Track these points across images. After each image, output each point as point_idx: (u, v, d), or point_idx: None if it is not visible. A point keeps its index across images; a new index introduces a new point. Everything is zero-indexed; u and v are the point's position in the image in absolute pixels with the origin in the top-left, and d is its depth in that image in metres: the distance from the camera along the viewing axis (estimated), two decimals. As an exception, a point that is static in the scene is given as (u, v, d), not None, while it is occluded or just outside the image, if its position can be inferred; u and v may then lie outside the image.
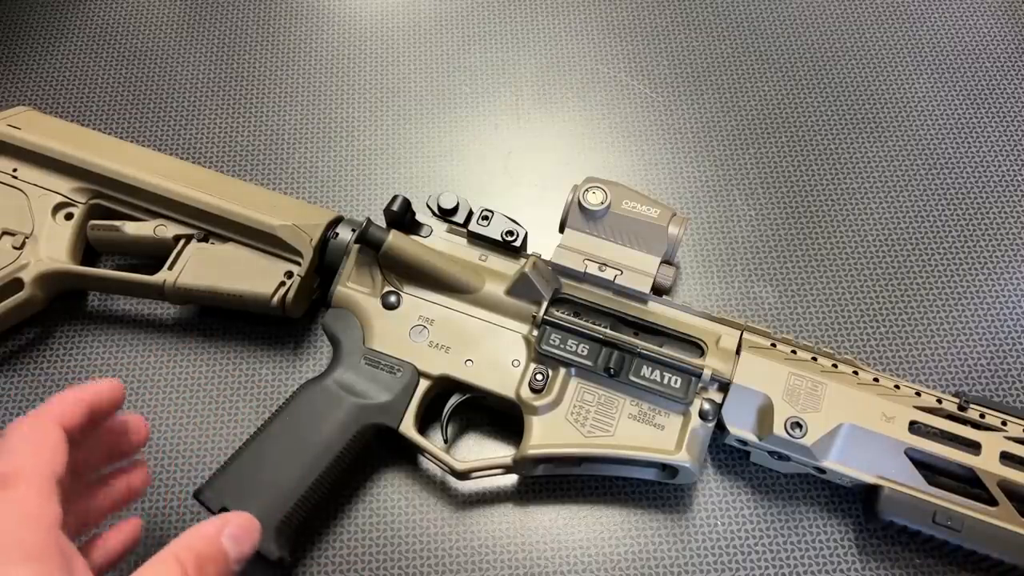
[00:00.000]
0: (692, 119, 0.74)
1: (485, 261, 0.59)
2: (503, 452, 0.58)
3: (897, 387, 0.54)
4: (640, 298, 0.57)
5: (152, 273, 0.60)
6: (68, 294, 0.63)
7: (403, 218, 0.59)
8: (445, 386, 0.57)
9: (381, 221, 0.59)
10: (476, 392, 0.56)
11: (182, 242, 0.60)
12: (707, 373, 0.54)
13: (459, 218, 0.58)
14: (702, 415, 0.54)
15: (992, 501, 0.52)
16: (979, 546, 0.51)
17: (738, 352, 0.55)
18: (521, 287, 0.56)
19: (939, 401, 0.54)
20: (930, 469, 0.53)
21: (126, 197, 0.61)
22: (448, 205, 0.58)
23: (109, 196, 0.62)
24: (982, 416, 0.54)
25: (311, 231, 0.59)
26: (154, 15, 0.79)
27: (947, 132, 0.73)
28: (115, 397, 0.46)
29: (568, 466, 0.55)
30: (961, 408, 0.54)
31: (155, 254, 0.61)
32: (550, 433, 0.54)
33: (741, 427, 0.54)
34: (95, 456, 0.47)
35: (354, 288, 0.58)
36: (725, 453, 0.59)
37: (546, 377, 0.55)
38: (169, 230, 0.61)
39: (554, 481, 0.58)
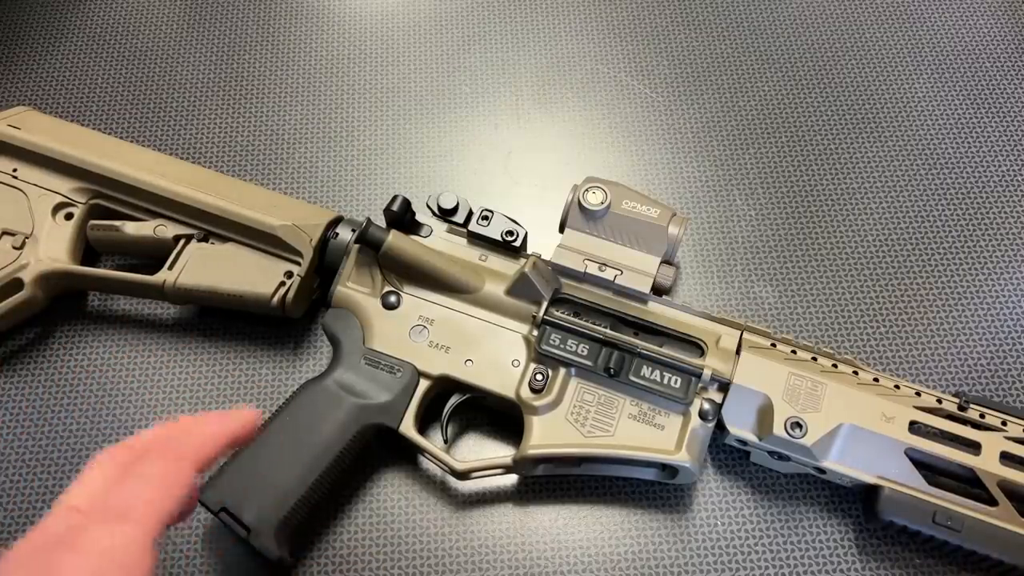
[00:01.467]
0: (692, 119, 0.74)
1: (485, 261, 0.59)
2: (503, 452, 0.58)
3: (897, 387, 0.54)
4: (640, 298, 0.57)
5: (152, 273, 0.60)
6: (68, 294, 0.63)
7: (403, 218, 0.59)
8: (445, 386, 0.57)
9: (381, 221, 0.59)
10: (476, 392, 0.56)
11: (182, 242, 0.60)
12: (707, 373, 0.54)
13: (459, 218, 0.58)
14: (702, 415, 0.54)
15: (992, 501, 0.52)
16: (979, 546, 0.51)
17: (738, 352, 0.55)
18: (521, 287, 0.56)
19: (939, 401, 0.54)
20: (930, 469, 0.53)
21: (126, 197, 0.61)
22: (448, 205, 0.58)
23: (109, 196, 0.62)
24: (982, 416, 0.54)
25: (311, 231, 0.59)
26: (154, 15, 0.79)
27: (947, 132, 0.73)
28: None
29: (568, 466, 0.55)
30: (961, 408, 0.54)
31: (155, 254, 0.61)
32: (550, 433, 0.54)
33: (741, 427, 0.54)
34: None
35: (354, 288, 0.58)
36: (725, 453, 0.59)
37: (546, 377, 0.55)
38: (169, 230, 0.61)
39: (554, 481, 0.58)
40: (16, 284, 0.59)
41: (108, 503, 0.39)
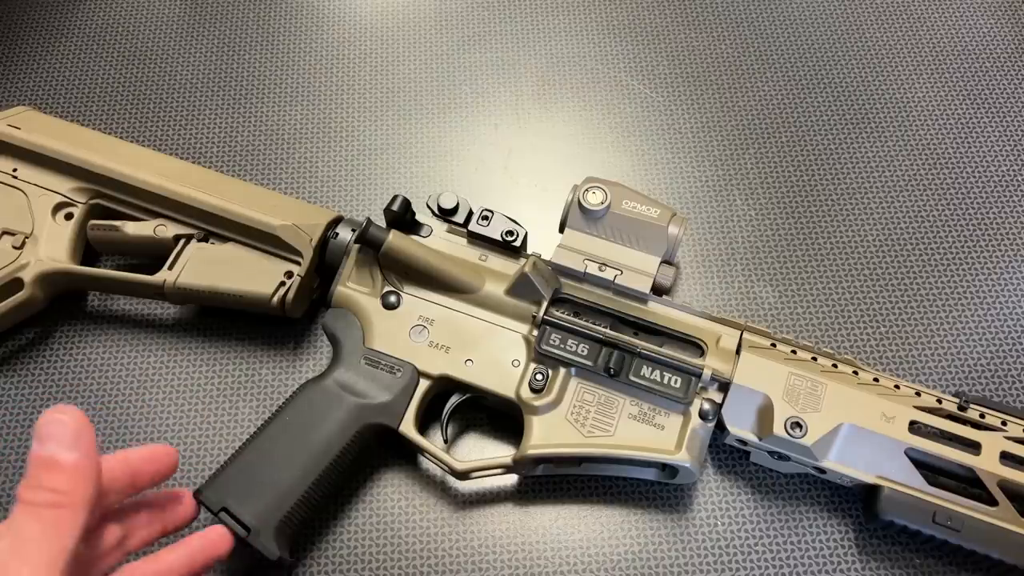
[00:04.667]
0: (692, 119, 0.74)
1: (485, 261, 0.59)
2: (503, 452, 0.58)
3: (897, 387, 0.54)
4: (640, 298, 0.57)
5: (152, 273, 0.60)
6: (68, 294, 0.63)
7: (403, 218, 0.59)
8: (445, 386, 0.57)
9: (381, 221, 0.59)
10: (476, 392, 0.56)
11: (182, 242, 0.60)
12: (707, 373, 0.54)
13: (459, 218, 0.58)
14: (702, 415, 0.54)
15: (992, 501, 0.52)
16: (979, 546, 0.51)
17: (738, 352, 0.55)
18: (521, 287, 0.56)
19: (939, 401, 0.54)
20: (930, 469, 0.53)
21: (126, 197, 0.61)
22: (448, 205, 0.58)
23: (109, 196, 0.62)
24: (982, 416, 0.54)
25: (311, 231, 0.59)
26: (154, 15, 0.79)
27: (947, 132, 0.73)
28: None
29: (568, 466, 0.55)
30: (961, 408, 0.54)
31: (155, 254, 0.61)
32: (550, 433, 0.54)
33: (741, 427, 0.54)
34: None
35: (354, 288, 0.58)
36: (725, 453, 0.59)
37: (546, 377, 0.55)
38: (169, 230, 0.61)
39: (554, 481, 0.58)
40: (16, 284, 0.59)
41: None
